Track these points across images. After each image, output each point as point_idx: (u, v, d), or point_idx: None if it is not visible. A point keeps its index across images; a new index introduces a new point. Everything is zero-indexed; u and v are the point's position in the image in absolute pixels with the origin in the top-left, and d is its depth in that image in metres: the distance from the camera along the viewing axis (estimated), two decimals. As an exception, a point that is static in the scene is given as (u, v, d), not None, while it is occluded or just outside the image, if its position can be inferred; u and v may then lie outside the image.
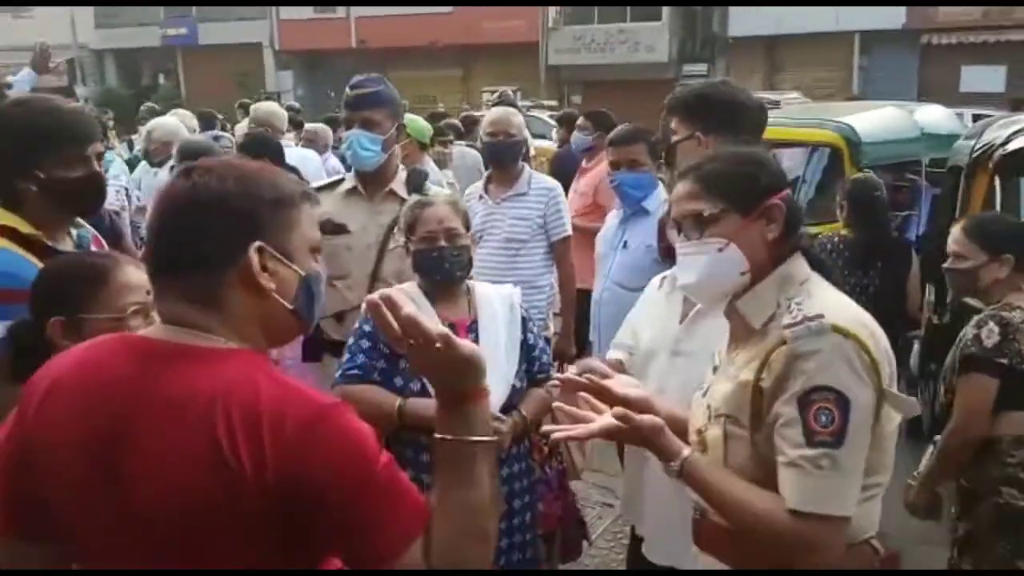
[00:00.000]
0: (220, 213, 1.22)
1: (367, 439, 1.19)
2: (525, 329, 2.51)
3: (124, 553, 1.20)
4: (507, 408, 2.41)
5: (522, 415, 2.44)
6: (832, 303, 1.59)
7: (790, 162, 6.19)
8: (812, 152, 6.24)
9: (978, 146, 3.96)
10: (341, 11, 25.37)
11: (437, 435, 1.24)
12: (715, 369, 1.76)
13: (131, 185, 5.39)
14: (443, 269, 2.40)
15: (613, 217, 3.40)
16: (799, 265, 1.66)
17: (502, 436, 2.32)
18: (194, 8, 27.52)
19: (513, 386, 2.43)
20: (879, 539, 1.64)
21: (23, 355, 1.77)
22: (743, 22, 21.47)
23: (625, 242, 3.19)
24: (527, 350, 2.51)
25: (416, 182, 2.95)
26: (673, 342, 2.17)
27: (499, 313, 2.46)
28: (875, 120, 6.11)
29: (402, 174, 3.00)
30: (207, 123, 7.52)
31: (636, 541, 2.38)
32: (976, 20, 19.93)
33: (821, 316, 1.51)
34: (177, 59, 28.13)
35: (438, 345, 1.19)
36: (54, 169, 2.04)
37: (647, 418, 1.63)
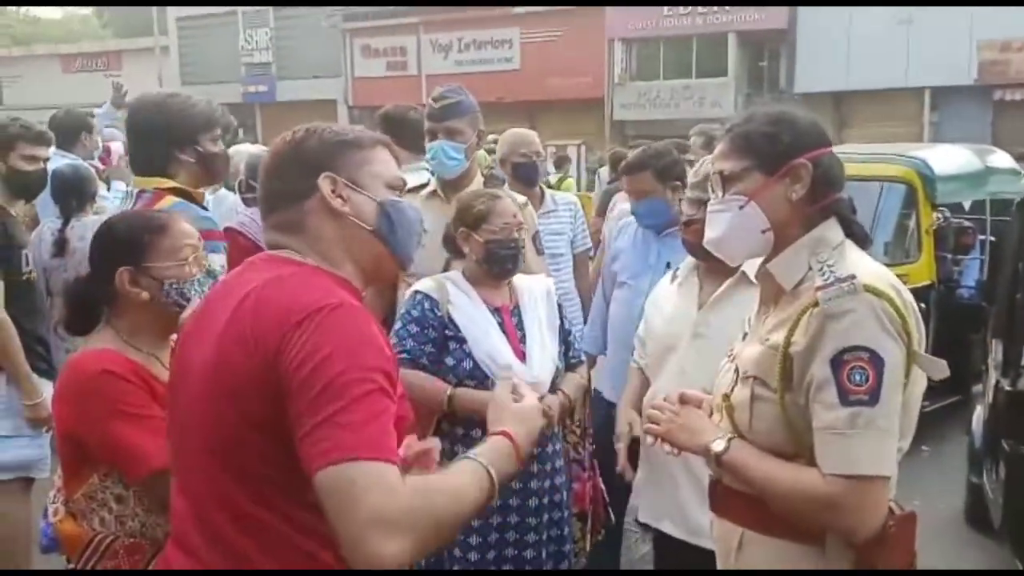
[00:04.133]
0: (293, 157, 1.48)
1: (345, 346, 1.26)
2: (560, 315, 2.66)
3: (177, 404, 1.45)
4: (552, 388, 2.53)
5: (566, 395, 2.57)
6: (864, 265, 1.59)
7: (856, 199, 6.04)
8: (882, 189, 5.79)
9: None
10: (413, 69, 26.21)
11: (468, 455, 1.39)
12: (744, 336, 1.78)
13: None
14: (515, 260, 2.54)
15: (630, 225, 3.29)
16: (833, 229, 1.66)
17: (551, 413, 2.41)
18: (274, 66, 28.75)
19: (557, 367, 2.56)
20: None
21: (79, 309, 1.96)
22: (810, 77, 21.40)
23: (668, 263, 3.05)
24: (563, 335, 2.65)
25: (493, 187, 3.06)
26: (693, 326, 2.25)
27: (538, 298, 2.61)
28: (947, 156, 5.94)
29: (479, 180, 3.16)
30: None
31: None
32: (1051, 75, 19.56)
33: (853, 277, 1.52)
34: (256, 115, 29.33)
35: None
36: (208, 144, 2.63)
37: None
